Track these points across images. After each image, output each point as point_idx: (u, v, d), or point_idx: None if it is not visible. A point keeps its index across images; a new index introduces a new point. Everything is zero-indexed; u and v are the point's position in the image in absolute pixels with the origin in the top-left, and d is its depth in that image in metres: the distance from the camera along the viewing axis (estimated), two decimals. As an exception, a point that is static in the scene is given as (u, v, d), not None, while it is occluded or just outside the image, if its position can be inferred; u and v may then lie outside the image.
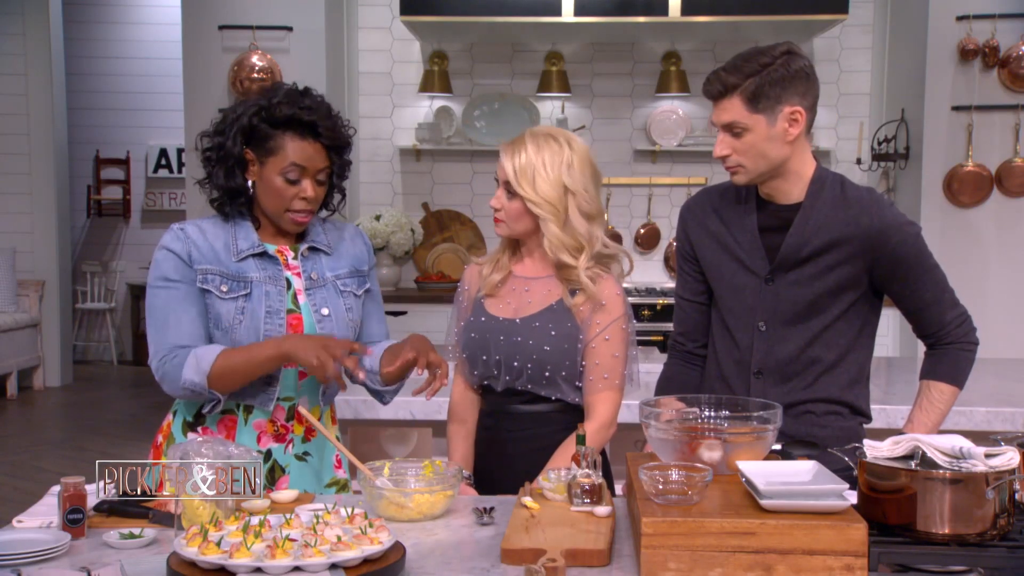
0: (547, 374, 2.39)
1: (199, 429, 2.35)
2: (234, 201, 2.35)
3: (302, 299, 2.35)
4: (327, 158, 2.32)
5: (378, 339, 2.52)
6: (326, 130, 2.30)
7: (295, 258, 2.38)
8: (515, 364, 2.40)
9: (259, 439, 2.34)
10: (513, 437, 2.43)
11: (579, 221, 2.36)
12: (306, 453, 2.39)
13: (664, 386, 2.52)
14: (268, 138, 2.29)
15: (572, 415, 2.41)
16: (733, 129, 2.23)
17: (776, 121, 2.21)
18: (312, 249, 2.40)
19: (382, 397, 2.48)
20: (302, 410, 2.28)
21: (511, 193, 2.37)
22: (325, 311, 2.35)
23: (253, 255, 2.33)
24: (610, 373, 2.39)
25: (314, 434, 2.39)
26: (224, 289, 2.29)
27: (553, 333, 2.38)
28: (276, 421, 2.35)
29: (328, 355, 2.14)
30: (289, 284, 2.35)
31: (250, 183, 2.33)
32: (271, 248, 2.36)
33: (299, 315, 2.34)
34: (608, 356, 2.39)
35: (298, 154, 2.28)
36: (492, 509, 2.06)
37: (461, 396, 2.54)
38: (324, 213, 2.47)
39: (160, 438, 2.42)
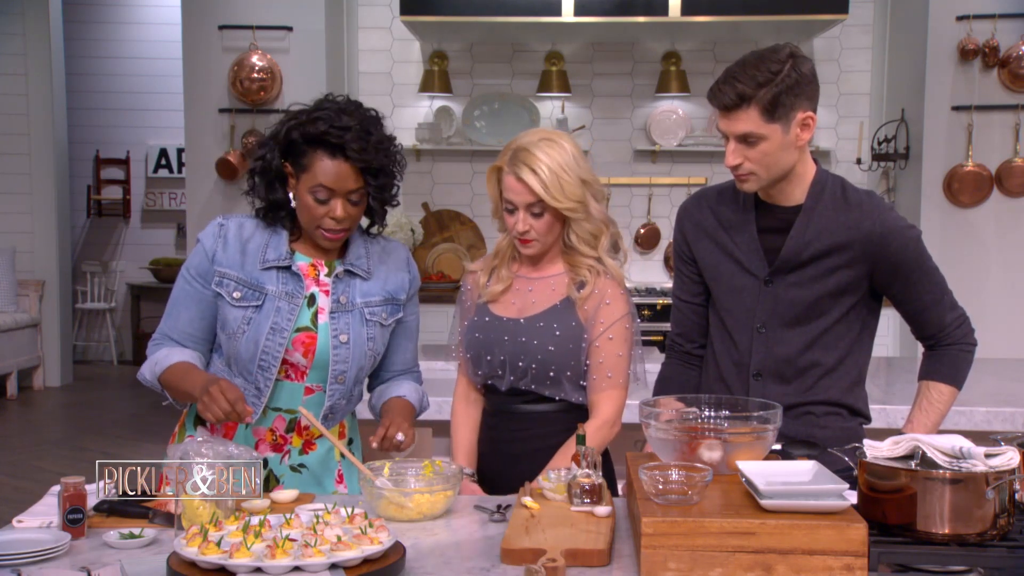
0: (551, 374, 2.39)
1: (208, 425, 2.36)
2: (277, 213, 2.33)
3: (323, 319, 2.32)
4: (360, 179, 2.24)
5: (399, 369, 2.50)
6: (355, 153, 2.21)
7: (328, 275, 2.35)
8: (520, 364, 2.39)
9: (257, 446, 2.34)
10: (517, 437, 2.44)
11: (596, 208, 2.38)
12: (302, 465, 2.38)
13: (662, 386, 2.51)
14: (302, 154, 2.24)
15: (576, 415, 2.41)
16: (748, 139, 2.18)
17: (790, 128, 2.18)
18: (348, 272, 2.35)
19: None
20: (303, 411, 2.28)
21: (537, 212, 2.33)
22: (344, 338, 2.31)
23: (278, 267, 2.31)
24: (614, 372, 2.39)
25: (313, 447, 2.38)
26: (236, 296, 2.28)
27: (558, 333, 2.38)
28: (276, 431, 2.35)
29: (212, 403, 2.11)
30: (313, 300, 2.32)
31: (291, 195, 2.29)
32: (303, 262, 2.33)
33: (314, 334, 2.31)
34: (612, 355, 2.39)
35: (326, 174, 2.22)
36: (508, 507, 2.07)
37: (464, 395, 2.55)
38: (366, 222, 2.42)
39: (177, 430, 2.46)
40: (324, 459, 2.40)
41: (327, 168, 2.22)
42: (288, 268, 2.31)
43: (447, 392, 2.69)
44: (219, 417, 2.10)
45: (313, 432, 2.37)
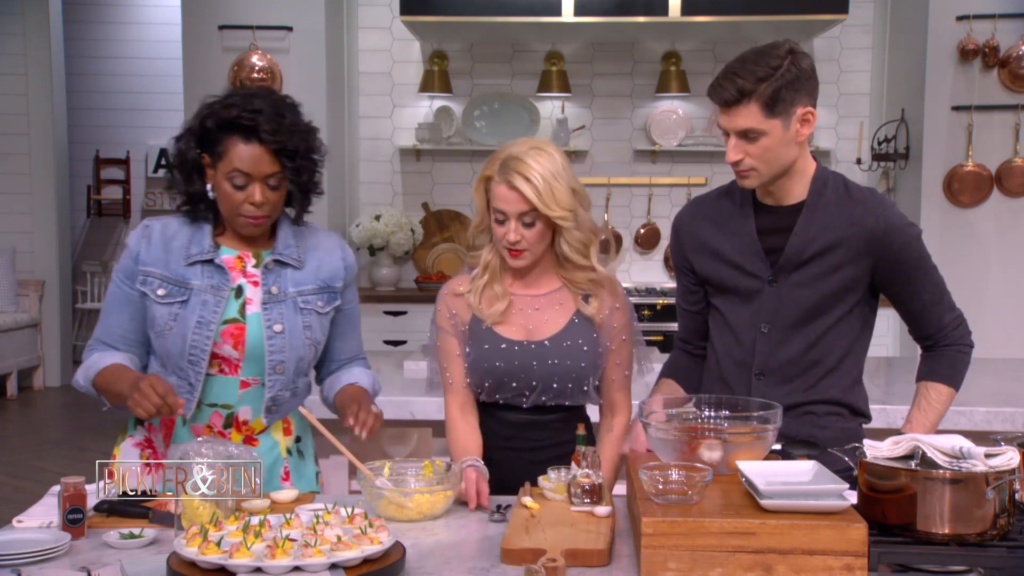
0: (585, 388, 2.39)
1: (147, 424, 2.39)
2: (198, 206, 2.33)
3: (253, 309, 2.30)
4: (276, 163, 2.23)
5: (346, 357, 2.48)
6: (268, 134, 2.21)
7: (255, 266, 2.33)
8: (555, 386, 2.37)
9: None
10: (542, 445, 2.41)
11: (584, 216, 2.36)
12: None
13: (668, 372, 2.52)
14: (217, 141, 2.24)
15: (586, 413, 2.46)
16: (748, 135, 2.17)
17: (791, 124, 2.18)
18: (278, 262, 2.34)
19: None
20: (303, 410, 2.27)
21: (529, 221, 2.30)
22: (278, 327, 2.30)
23: (201, 262, 2.30)
24: (629, 370, 2.45)
25: (255, 443, 2.35)
26: (161, 293, 2.28)
27: (586, 349, 2.38)
28: (213, 427, 2.33)
29: (143, 398, 2.08)
30: (240, 292, 2.31)
31: (209, 187, 2.29)
32: (228, 254, 2.32)
33: (242, 325, 2.29)
34: (628, 354, 2.44)
35: (241, 159, 2.21)
36: (508, 507, 2.07)
37: (460, 411, 2.43)
38: (295, 212, 2.38)
39: (121, 432, 2.47)
40: (267, 455, 2.36)
41: (242, 152, 2.22)
42: (211, 262, 2.30)
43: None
44: (151, 412, 2.08)
45: (253, 427, 2.35)
